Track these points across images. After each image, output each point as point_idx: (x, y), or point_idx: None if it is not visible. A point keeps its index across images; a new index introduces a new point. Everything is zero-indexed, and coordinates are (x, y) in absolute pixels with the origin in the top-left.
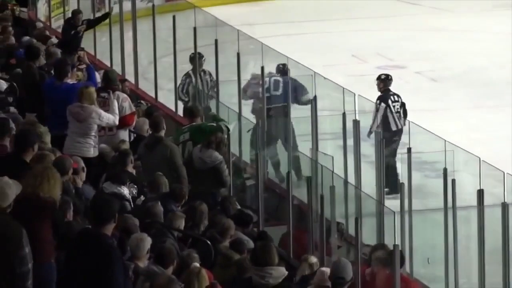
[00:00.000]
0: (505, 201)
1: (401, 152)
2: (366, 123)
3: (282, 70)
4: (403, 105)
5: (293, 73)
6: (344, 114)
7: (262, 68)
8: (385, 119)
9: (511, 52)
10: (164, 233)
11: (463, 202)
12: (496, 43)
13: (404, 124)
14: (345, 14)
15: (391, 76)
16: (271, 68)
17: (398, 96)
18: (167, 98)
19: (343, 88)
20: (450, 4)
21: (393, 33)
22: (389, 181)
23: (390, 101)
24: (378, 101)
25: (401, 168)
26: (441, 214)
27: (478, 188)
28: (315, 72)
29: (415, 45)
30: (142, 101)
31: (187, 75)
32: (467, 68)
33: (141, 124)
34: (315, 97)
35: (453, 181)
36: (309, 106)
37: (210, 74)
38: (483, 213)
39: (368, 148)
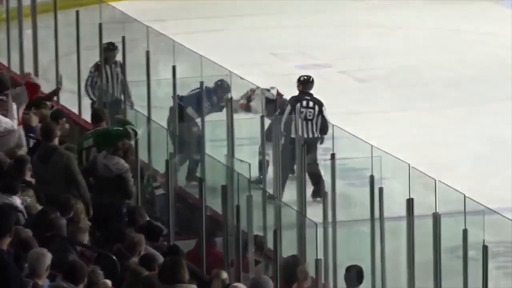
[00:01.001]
0: (437, 211)
1: (324, 158)
2: None
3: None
4: (320, 113)
5: (207, 73)
6: (262, 117)
7: (174, 67)
8: (288, 123)
9: (445, 50)
10: (66, 248)
11: (392, 213)
12: (429, 41)
13: (315, 136)
14: (265, 9)
15: (312, 79)
16: (183, 68)
17: (316, 103)
18: (70, 101)
19: (262, 89)
20: None
21: (317, 29)
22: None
23: (299, 105)
24: (286, 103)
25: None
26: (368, 225)
27: (408, 197)
28: (231, 72)
29: (341, 43)
30: (47, 103)
31: (95, 66)
32: (398, 67)
33: None
34: (231, 98)
35: (381, 189)
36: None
37: (122, 66)
38: (413, 224)
39: None
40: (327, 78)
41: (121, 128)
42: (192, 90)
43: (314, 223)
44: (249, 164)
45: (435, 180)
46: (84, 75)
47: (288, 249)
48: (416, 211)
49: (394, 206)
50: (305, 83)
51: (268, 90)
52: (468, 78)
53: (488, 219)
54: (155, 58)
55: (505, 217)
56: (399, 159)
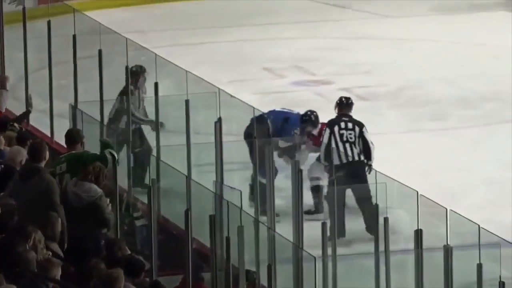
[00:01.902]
0: (448, 243)
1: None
2: None
3: None
4: (361, 135)
5: (193, 90)
6: (254, 140)
7: (156, 84)
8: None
9: (456, 64)
10: (37, 285)
11: (398, 245)
12: (437, 54)
13: (356, 158)
14: (257, 19)
15: (351, 100)
16: (166, 84)
17: (356, 124)
18: (41, 121)
19: (254, 108)
20: (382, 9)
21: (316, 42)
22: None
23: (337, 127)
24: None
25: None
26: (372, 259)
27: (416, 228)
28: (220, 89)
29: (341, 57)
30: (15, 124)
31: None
32: (404, 84)
33: (14, 154)
34: (219, 119)
35: (386, 219)
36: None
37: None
38: (421, 258)
39: (283, 181)
40: (327, 96)
41: (97, 153)
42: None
43: (312, 256)
44: (240, 192)
45: (446, 209)
46: (58, 92)
47: (284, 285)
48: (425, 243)
49: (401, 238)
50: (342, 105)
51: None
52: (481, 95)
53: (505, 252)
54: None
55: None
56: (406, 185)
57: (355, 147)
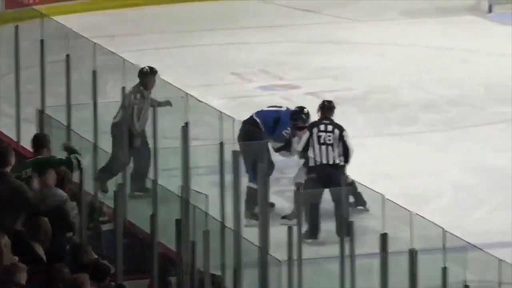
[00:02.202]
0: (414, 247)
1: (289, 188)
2: None
3: None
4: (341, 139)
5: (160, 94)
6: (221, 144)
7: (123, 88)
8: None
9: (425, 69)
10: None
11: (364, 249)
12: (405, 58)
13: (331, 161)
14: (225, 24)
15: (333, 104)
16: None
17: (336, 127)
18: (8, 126)
19: (221, 112)
20: (351, 13)
21: (283, 46)
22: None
23: (316, 129)
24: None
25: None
26: (337, 263)
27: (382, 231)
28: (187, 94)
29: (309, 61)
30: None
31: (138, 92)
32: (371, 88)
33: None
34: (186, 123)
35: (351, 223)
36: (178, 134)
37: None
38: (387, 262)
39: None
40: (294, 100)
41: (63, 158)
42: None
43: (278, 260)
44: (206, 196)
45: (412, 213)
46: (26, 97)
47: None
48: (391, 247)
49: (366, 242)
50: (324, 109)
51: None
52: (449, 100)
53: (471, 256)
54: (103, 78)
55: (489, 253)
56: (372, 189)
57: (333, 150)
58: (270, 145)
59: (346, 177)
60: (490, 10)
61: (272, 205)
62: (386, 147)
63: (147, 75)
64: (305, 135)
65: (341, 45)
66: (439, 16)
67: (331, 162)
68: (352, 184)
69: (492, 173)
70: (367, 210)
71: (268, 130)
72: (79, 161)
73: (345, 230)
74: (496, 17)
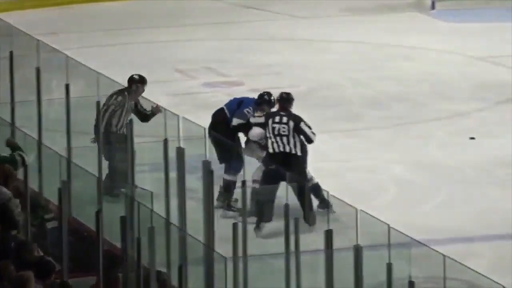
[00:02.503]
0: (359, 243)
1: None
2: (192, 151)
3: None
4: (297, 129)
5: (105, 91)
6: (165, 141)
7: (67, 86)
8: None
9: (368, 65)
10: None
11: (309, 246)
12: (348, 55)
13: (293, 152)
14: (168, 21)
15: (291, 96)
16: (78, 86)
17: (291, 119)
18: None
19: (165, 109)
20: (293, 10)
21: (227, 43)
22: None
23: (271, 121)
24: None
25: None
26: (282, 259)
27: (326, 228)
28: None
29: (252, 58)
30: None
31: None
32: (315, 84)
33: None
34: (131, 120)
35: (296, 220)
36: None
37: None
38: (332, 258)
39: (195, 182)
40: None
41: (7, 155)
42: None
43: (223, 257)
44: (152, 193)
45: (357, 210)
46: None
47: (195, 286)
48: (336, 244)
49: (311, 239)
50: (282, 101)
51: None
52: (393, 96)
53: (416, 251)
54: (46, 75)
55: (433, 249)
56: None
57: (288, 142)
58: (232, 123)
59: (311, 177)
60: (433, 7)
61: (236, 200)
62: (330, 144)
63: (134, 82)
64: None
65: (283, 42)
66: (382, 13)
67: (287, 151)
68: (317, 186)
69: (436, 169)
70: (333, 212)
71: (232, 114)
72: (23, 158)
73: (313, 218)
74: (439, 14)
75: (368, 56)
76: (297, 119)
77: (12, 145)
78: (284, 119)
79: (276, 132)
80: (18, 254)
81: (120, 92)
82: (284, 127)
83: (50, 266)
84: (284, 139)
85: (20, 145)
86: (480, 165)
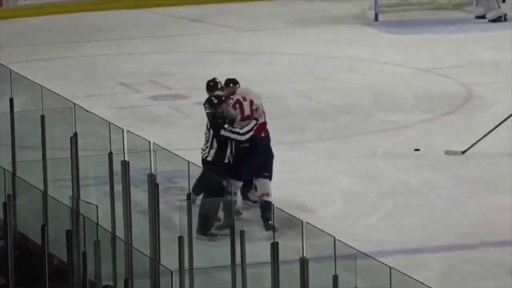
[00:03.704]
0: (304, 255)
1: (180, 199)
2: (136, 163)
3: None
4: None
5: (49, 105)
6: (110, 154)
7: (11, 100)
8: None
9: (311, 77)
10: None
11: (255, 258)
12: (292, 67)
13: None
14: (110, 34)
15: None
16: (22, 100)
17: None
18: None
19: (109, 123)
20: (237, 23)
21: (171, 56)
22: None
23: None
24: None
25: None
26: (229, 272)
27: (272, 240)
28: (75, 104)
29: (197, 71)
30: None
31: None
32: (261, 97)
33: None
34: (75, 134)
35: (242, 232)
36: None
37: None
38: (278, 270)
39: (140, 195)
40: (183, 110)
41: None
42: None
43: (169, 270)
44: (96, 206)
45: (302, 222)
46: None
47: None
48: (282, 256)
49: (258, 251)
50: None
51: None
52: (337, 108)
53: (361, 263)
54: None
55: (379, 261)
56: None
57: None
58: None
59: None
60: (376, 19)
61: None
62: (276, 157)
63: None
64: None
65: (228, 55)
66: (326, 25)
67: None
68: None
69: (381, 181)
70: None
71: None
72: None
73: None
74: (383, 25)
75: (312, 68)
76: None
77: None
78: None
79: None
80: None
81: None
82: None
83: None
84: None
85: None
86: (425, 177)
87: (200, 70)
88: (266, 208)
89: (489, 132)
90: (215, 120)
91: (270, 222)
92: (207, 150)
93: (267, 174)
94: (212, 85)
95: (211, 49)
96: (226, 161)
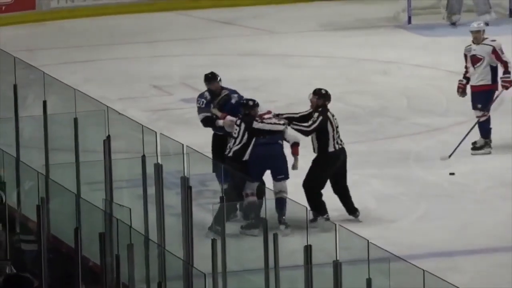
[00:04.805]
0: (338, 258)
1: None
2: (169, 167)
3: None
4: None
5: (81, 108)
6: (143, 157)
7: (44, 102)
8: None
9: (344, 79)
10: None
11: (288, 261)
12: (325, 70)
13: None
14: (143, 36)
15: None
16: (54, 103)
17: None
18: None
19: (142, 125)
20: (271, 25)
21: (203, 58)
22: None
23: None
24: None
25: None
26: (262, 275)
27: (306, 243)
28: (108, 107)
29: (229, 73)
30: None
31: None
32: (292, 99)
33: None
34: (108, 136)
35: (275, 235)
36: (101, 147)
37: None
38: (311, 273)
39: (173, 197)
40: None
41: None
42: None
43: (203, 273)
44: (130, 209)
45: (336, 225)
46: None
47: None
48: (315, 259)
49: (290, 254)
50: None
51: None
52: (370, 111)
53: (395, 267)
54: (23, 92)
55: (413, 264)
56: (295, 202)
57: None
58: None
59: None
60: (409, 21)
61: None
62: (307, 159)
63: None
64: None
65: (260, 57)
66: (359, 28)
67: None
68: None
69: (414, 183)
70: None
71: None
72: (1, 198)
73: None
74: (416, 28)
75: (345, 71)
76: (249, 123)
77: None
78: (238, 121)
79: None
80: None
81: None
82: (236, 129)
83: (29, 282)
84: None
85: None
86: (458, 179)
87: (233, 72)
88: (280, 204)
89: (466, 135)
90: (249, 117)
91: (284, 217)
92: (232, 147)
93: (282, 176)
94: (210, 77)
95: (243, 52)
96: (244, 158)
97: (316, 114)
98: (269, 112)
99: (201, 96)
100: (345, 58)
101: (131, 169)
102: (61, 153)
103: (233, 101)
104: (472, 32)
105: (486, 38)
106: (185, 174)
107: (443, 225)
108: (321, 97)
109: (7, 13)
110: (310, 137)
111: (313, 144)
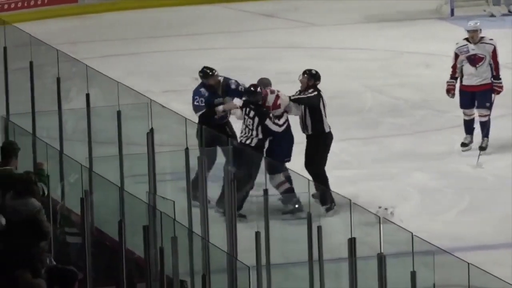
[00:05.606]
0: (382, 251)
1: (256, 194)
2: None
3: None
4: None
5: (124, 101)
6: (186, 150)
7: (87, 95)
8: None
9: (386, 72)
10: None
11: (332, 254)
12: (369, 63)
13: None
14: (186, 29)
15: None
16: (97, 95)
17: (257, 115)
18: None
19: (186, 118)
20: (312, 18)
21: (243, 51)
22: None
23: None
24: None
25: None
26: (306, 267)
27: (350, 236)
28: (151, 100)
29: (271, 66)
30: None
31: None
32: (334, 92)
33: None
34: (151, 129)
35: (319, 228)
36: (144, 140)
37: None
38: (355, 266)
39: (217, 190)
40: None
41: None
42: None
43: (247, 266)
44: (174, 202)
45: (380, 218)
46: None
47: None
48: (359, 252)
49: (334, 247)
50: (250, 94)
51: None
52: (413, 104)
53: (439, 259)
54: (66, 85)
55: (457, 257)
56: (339, 194)
57: (251, 134)
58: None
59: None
60: (452, 14)
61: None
62: (350, 152)
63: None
64: None
65: (302, 50)
66: (401, 20)
67: (248, 142)
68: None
69: (457, 176)
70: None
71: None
72: (43, 190)
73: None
74: (458, 20)
75: (387, 64)
76: (262, 115)
77: (39, 173)
78: (251, 114)
79: (245, 123)
80: (30, 264)
81: None
82: (250, 121)
83: (72, 275)
84: (249, 131)
85: (41, 155)
86: (501, 172)
87: (273, 65)
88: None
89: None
90: (261, 109)
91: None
92: (251, 138)
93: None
94: (209, 73)
95: (284, 44)
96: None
97: (310, 90)
98: (277, 98)
99: (197, 93)
100: (387, 51)
101: (174, 162)
102: (104, 146)
103: (233, 86)
104: (469, 31)
105: (483, 37)
106: (229, 167)
107: (486, 218)
108: (311, 77)
109: (50, 6)
110: (300, 117)
111: (305, 123)
